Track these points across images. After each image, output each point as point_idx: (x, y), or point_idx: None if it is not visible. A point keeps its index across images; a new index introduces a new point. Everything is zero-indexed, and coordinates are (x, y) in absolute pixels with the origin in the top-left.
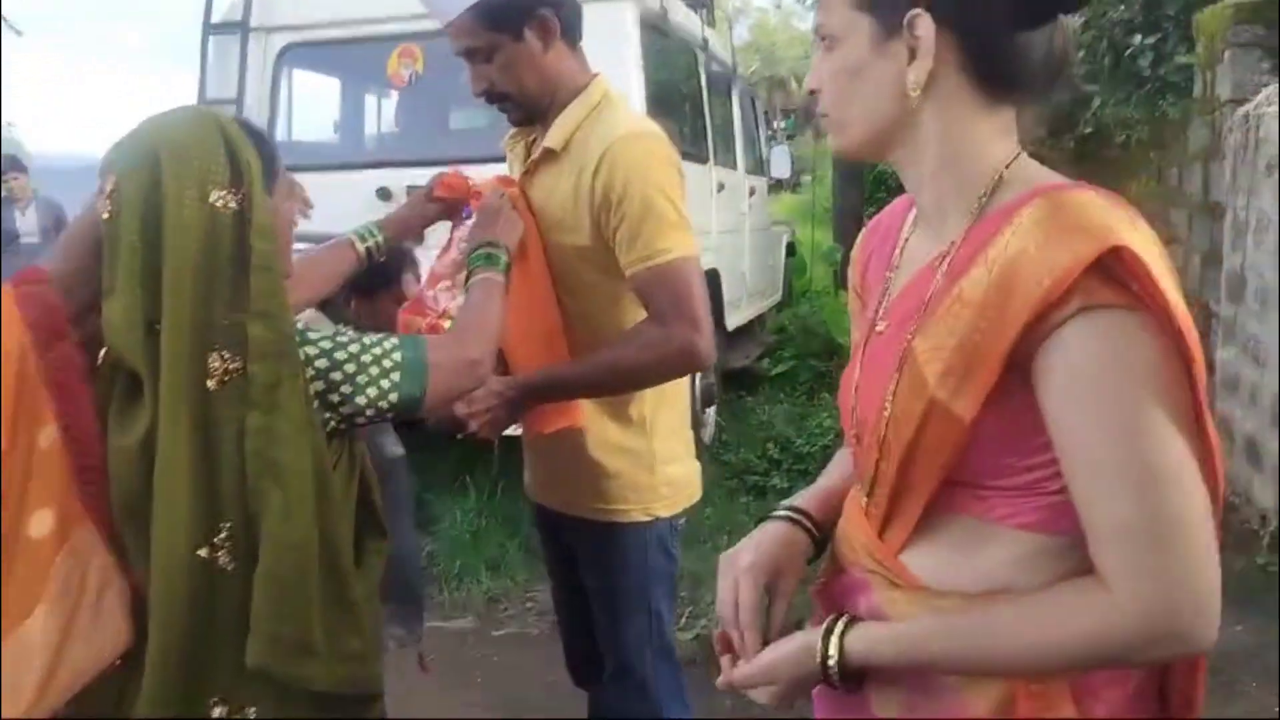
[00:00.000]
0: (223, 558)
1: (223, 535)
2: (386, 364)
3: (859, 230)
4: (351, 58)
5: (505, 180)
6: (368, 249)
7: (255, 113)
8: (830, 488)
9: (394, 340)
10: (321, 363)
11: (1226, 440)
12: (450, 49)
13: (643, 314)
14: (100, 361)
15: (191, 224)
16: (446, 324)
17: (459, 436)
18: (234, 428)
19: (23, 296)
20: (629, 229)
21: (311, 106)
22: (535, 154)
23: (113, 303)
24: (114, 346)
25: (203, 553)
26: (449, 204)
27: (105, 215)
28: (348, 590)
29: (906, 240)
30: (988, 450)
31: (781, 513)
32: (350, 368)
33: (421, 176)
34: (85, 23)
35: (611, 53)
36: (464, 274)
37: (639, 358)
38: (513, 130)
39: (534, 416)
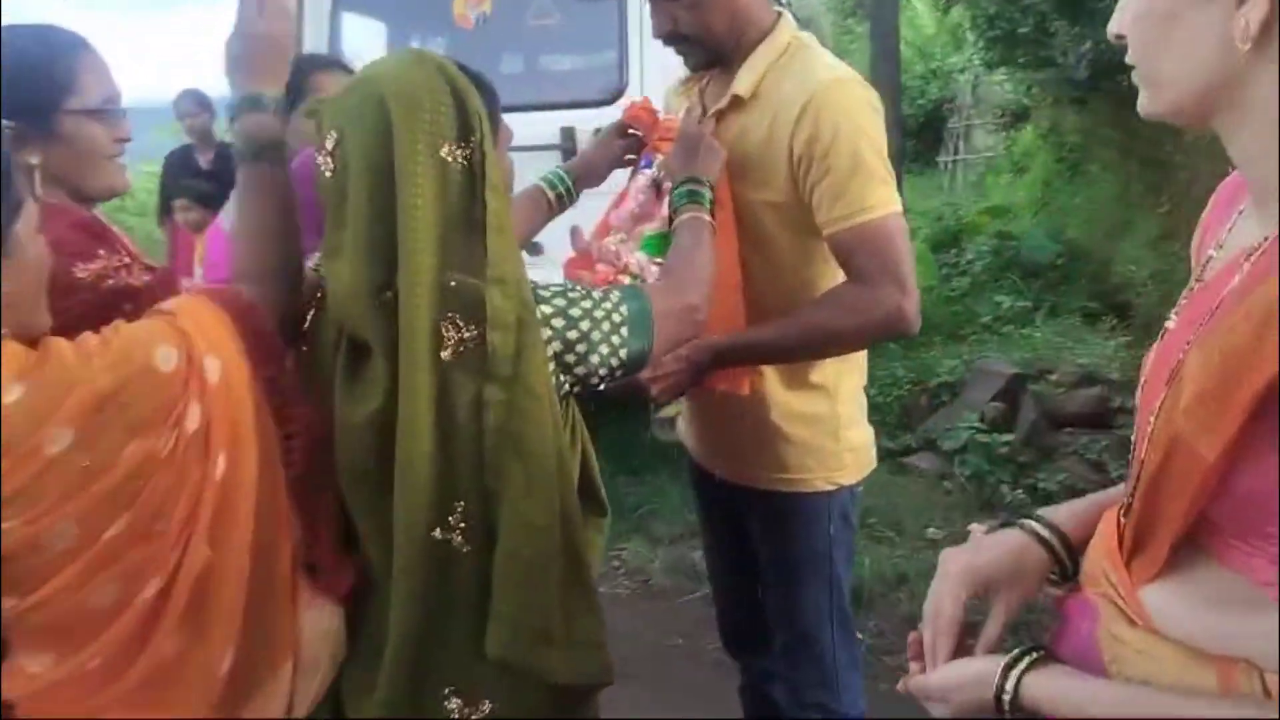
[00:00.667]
0: (457, 539)
1: (457, 515)
2: (616, 318)
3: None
4: (408, 1)
5: (650, 111)
6: (558, 195)
7: None
8: (1100, 502)
9: (618, 292)
10: (558, 323)
11: None
12: None
13: (828, 272)
14: (312, 328)
15: (425, 180)
16: (625, 279)
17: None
18: (470, 399)
19: (237, 316)
20: (833, 184)
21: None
22: (722, 102)
23: (338, 267)
24: (341, 315)
25: (437, 534)
26: (636, 141)
27: (329, 173)
28: (584, 572)
29: (1239, 216)
30: (1243, 502)
31: (1026, 521)
32: (585, 325)
33: None
34: None
35: None
36: (641, 227)
37: (844, 322)
38: (683, 77)
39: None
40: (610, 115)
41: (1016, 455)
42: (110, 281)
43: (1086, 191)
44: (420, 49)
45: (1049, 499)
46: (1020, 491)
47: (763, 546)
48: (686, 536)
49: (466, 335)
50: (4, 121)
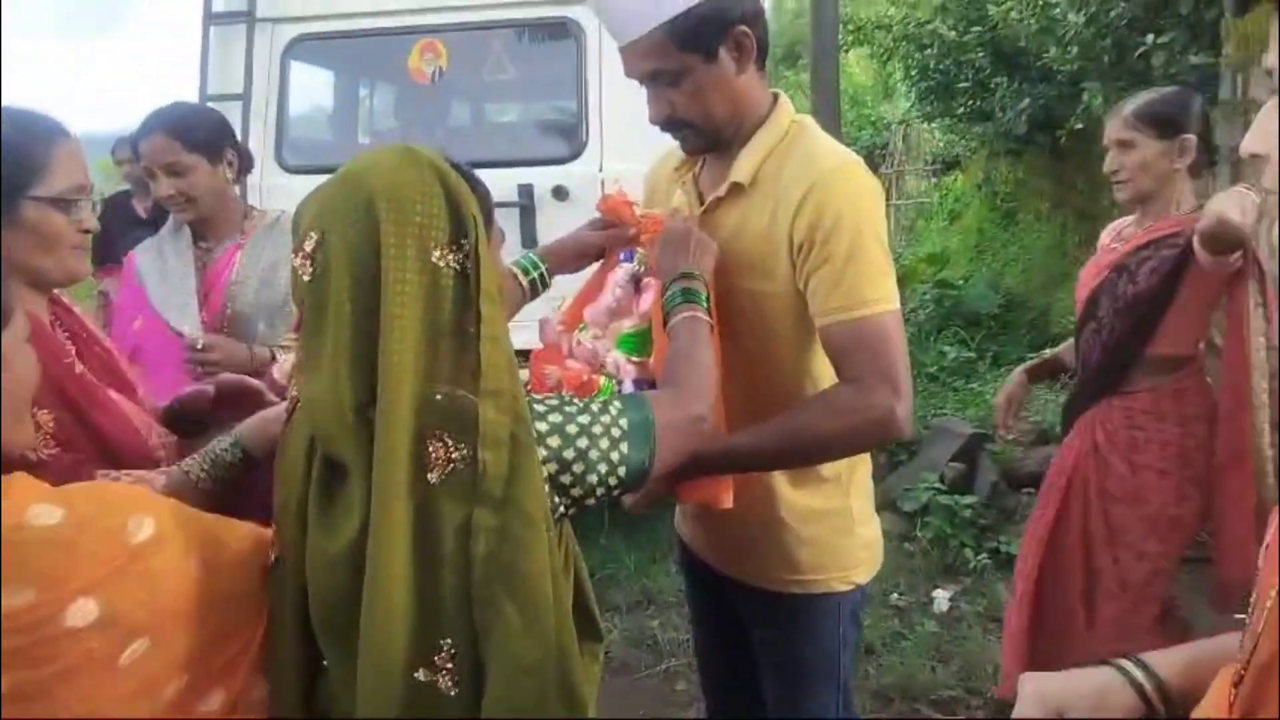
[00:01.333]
0: (444, 681)
1: (444, 654)
2: (615, 432)
3: None
4: (359, 51)
5: (621, 201)
6: (531, 282)
7: (261, 110)
8: (1218, 652)
9: (618, 403)
10: (554, 441)
11: None
12: (467, 44)
13: (822, 368)
14: (286, 446)
15: (413, 286)
16: (601, 380)
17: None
18: (457, 525)
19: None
20: (831, 273)
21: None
22: (720, 189)
23: (316, 380)
24: (317, 431)
25: (421, 675)
26: (614, 233)
27: (307, 277)
28: (581, 711)
29: None
30: None
31: (1122, 662)
32: (582, 443)
33: None
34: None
35: None
36: (618, 323)
37: (830, 425)
38: (675, 163)
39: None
40: (570, 172)
41: (978, 518)
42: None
43: (1021, 240)
44: (410, 147)
45: (1011, 563)
46: (984, 555)
47: (765, 649)
48: (644, 605)
49: (455, 454)
50: None
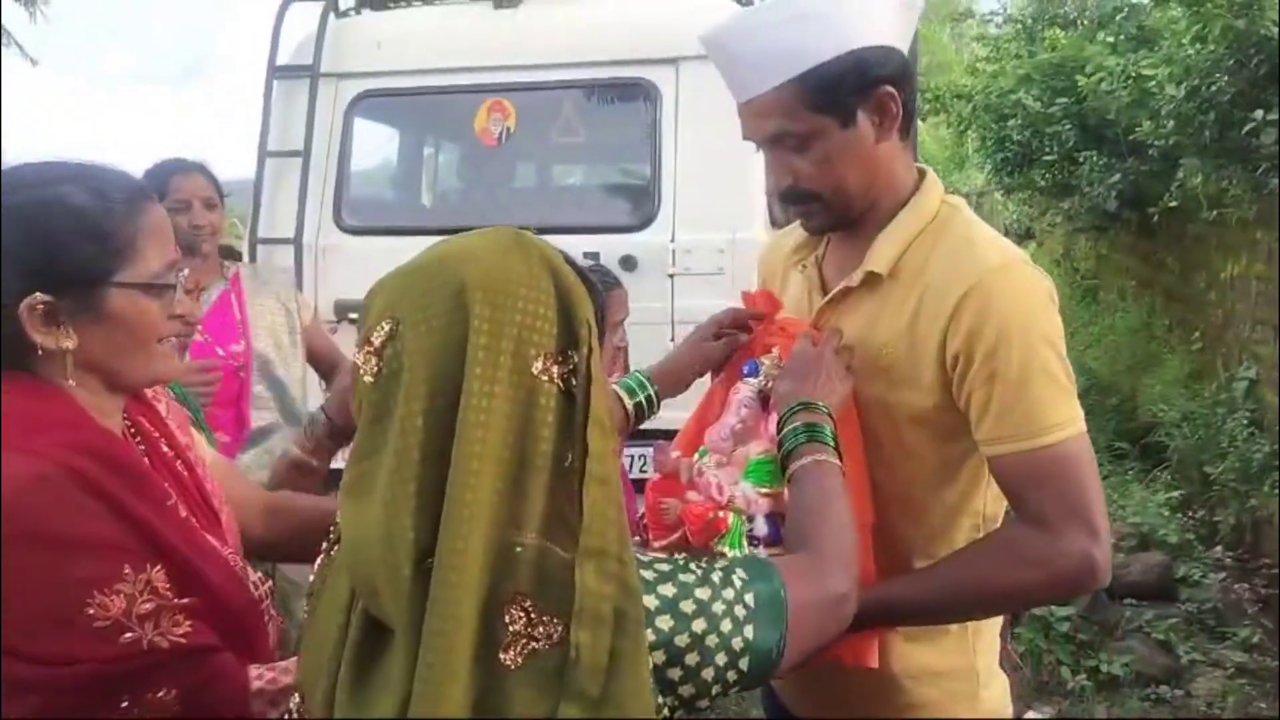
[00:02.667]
0: None
1: None
2: (740, 611)
3: None
4: (425, 109)
5: (768, 296)
6: (637, 405)
7: (322, 167)
8: None
9: (742, 571)
10: (665, 622)
11: None
12: (536, 104)
13: (977, 496)
14: (319, 596)
15: (503, 401)
16: (730, 517)
17: None
18: None
19: None
20: (1003, 394)
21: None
22: (853, 279)
23: (366, 511)
24: (360, 580)
25: None
26: (735, 342)
27: (370, 378)
28: None
29: None
30: None
31: None
32: (700, 625)
33: None
34: (112, 51)
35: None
36: (745, 449)
37: (1018, 578)
38: (795, 243)
39: None
40: (639, 242)
41: (1076, 632)
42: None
43: (1104, 320)
44: (519, 231)
45: (1114, 685)
46: (1083, 675)
47: None
48: None
49: (540, 631)
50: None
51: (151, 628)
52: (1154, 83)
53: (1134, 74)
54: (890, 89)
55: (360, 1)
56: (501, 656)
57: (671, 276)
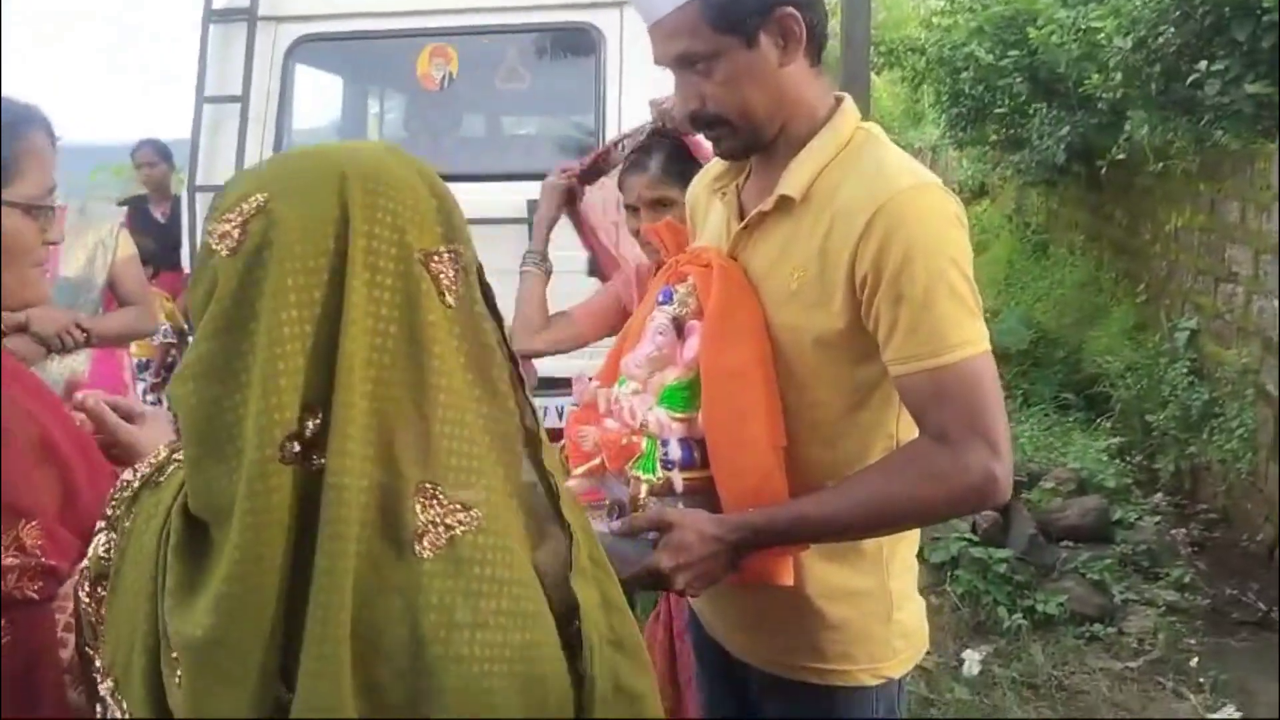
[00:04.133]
0: None
1: None
2: None
3: None
4: (367, 55)
5: (673, 228)
6: None
7: (261, 113)
8: None
9: None
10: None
11: None
12: (479, 49)
13: (888, 420)
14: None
15: (392, 282)
16: (643, 442)
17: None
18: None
19: None
20: (910, 314)
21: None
22: (766, 203)
23: (217, 390)
24: (204, 470)
25: None
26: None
27: (226, 251)
28: None
29: None
30: None
31: None
32: None
33: None
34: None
35: None
36: (660, 375)
37: (923, 492)
38: (716, 171)
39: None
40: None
41: (1013, 573)
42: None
43: (1053, 274)
44: (391, 145)
45: (1049, 624)
46: (1019, 614)
47: None
48: None
49: (454, 518)
50: None
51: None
52: (1103, 35)
53: (1083, 26)
54: (792, 10)
55: None
56: (419, 549)
57: (614, 223)
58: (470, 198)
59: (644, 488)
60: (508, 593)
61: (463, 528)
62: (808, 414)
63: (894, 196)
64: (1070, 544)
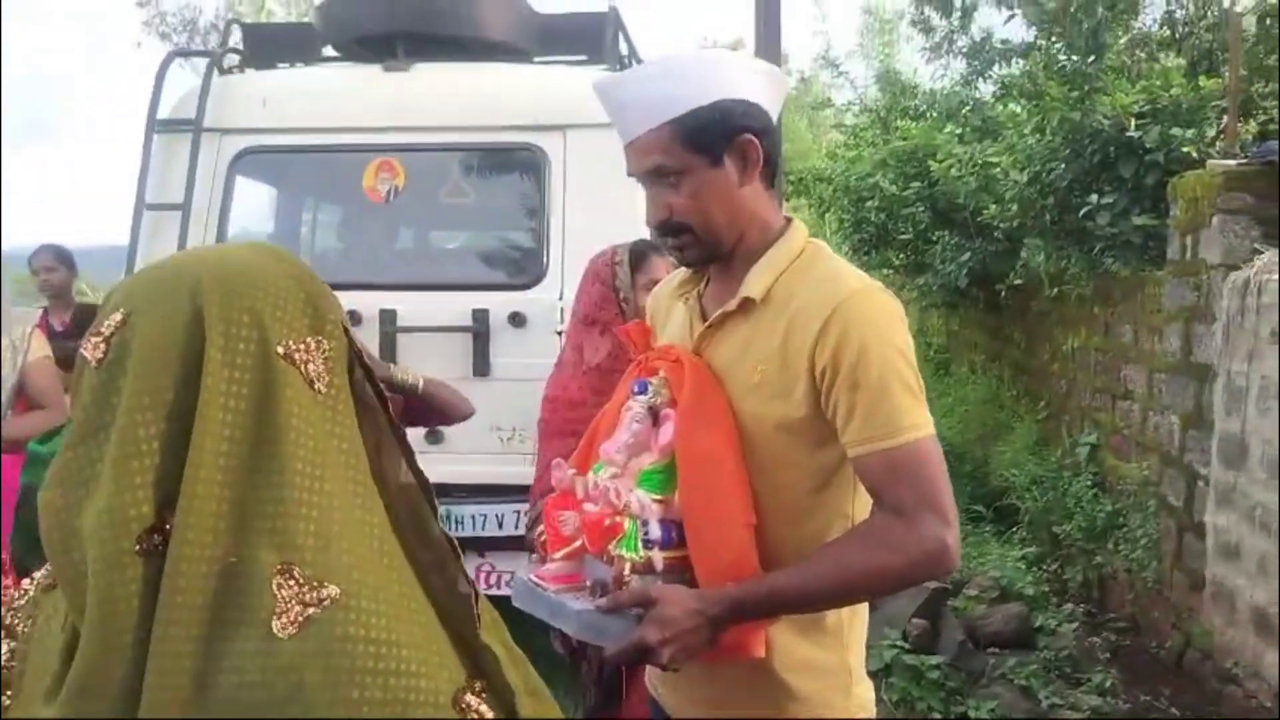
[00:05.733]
0: None
1: None
2: None
3: None
4: (310, 168)
5: (642, 329)
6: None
7: (203, 223)
8: None
9: None
10: None
11: (1226, 607)
12: (425, 165)
13: (845, 500)
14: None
15: (247, 377)
16: (626, 523)
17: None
18: None
19: None
20: (866, 401)
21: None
22: (730, 305)
23: (80, 496)
24: (68, 570)
25: None
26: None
27: (95, 362)
28: None
29: None
30: None
31: None
32: None
33: (367, 300)
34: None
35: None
36: (638, 460)
37: (884, 562)
38: (679, 280)
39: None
40: (528, 299)
41: (945, 679)
42: None
43: (956, 392)
44: (261, 241)
45: None
46: None
47: None
48: None
49: (311, 595)
50: None
51: None
52: (999, 169)
53: (980, 161)
54: (752, 138)
55: (245, 60)
56: (274, 625)
57: (559, 333)
58: (410, 307)
59: (627, 566)
60: (371, 652)
61: (323, 605)
62: (773, 495)
63: (848, 298)
64: (996, 650)
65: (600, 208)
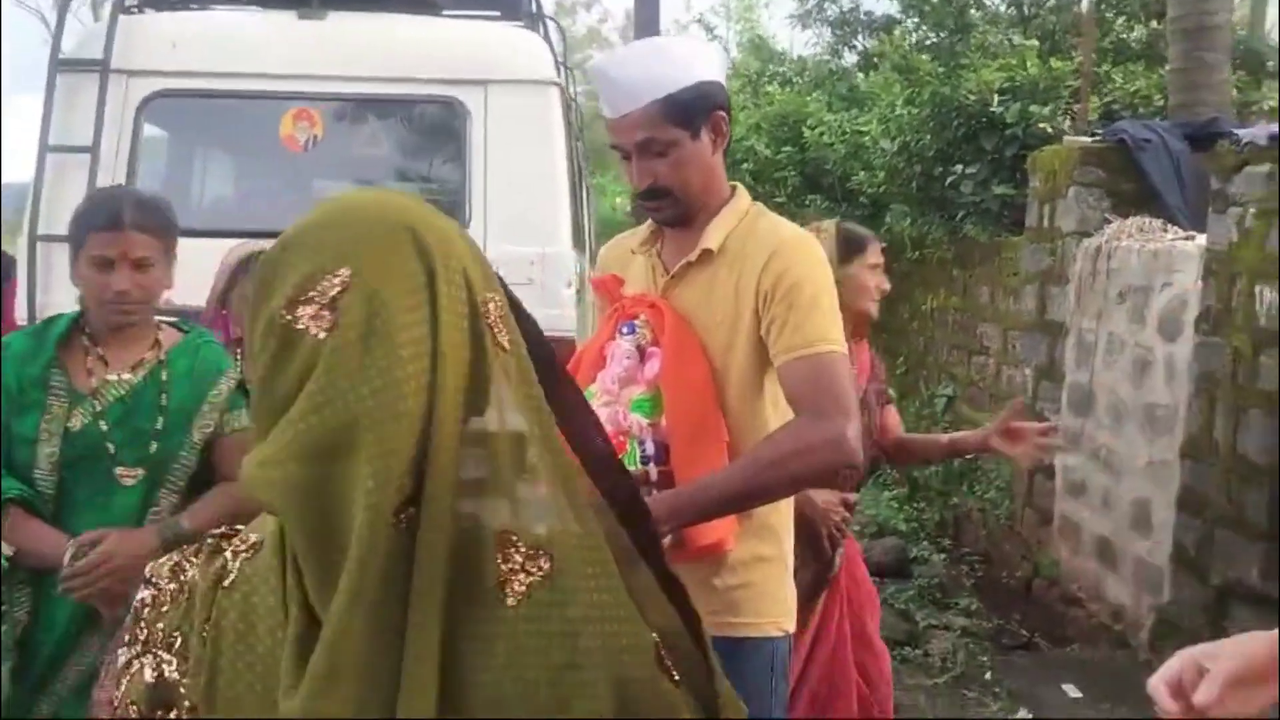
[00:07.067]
0: None
1: None
2: None
3: None
4: (222, 114)
5: (617, 280)
6: None
7: (111, 167)
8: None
9: None
10: None
11: (1073, 538)
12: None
13: (768, 415)
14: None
15: (465, 344)
16: (629, 442)
17: None
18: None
19: None
20: (795, 317)
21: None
22: (691, 255)
23: (319, 467)
24: (316, 545)
25: None
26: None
27: (322, 333)
28: None
29: None
30: None
31: None
32: None
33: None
34: None
35: (539, 136)
36: (628, 390)
37: (803, 456)
38: (638, 240)
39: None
40: None
41: None
42: None
43: None
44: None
45: None
46: None
47: None
48: None
49: (533, 565)
50: None
51: None
52: (868, 138)
53: (850, 130)
54: (723, 113)
55: (145, 1)
56: (504, 597)
57: None
58: None
59: None
60: (595, 630)
61: (541, 573)
62: (739, 416)
63: (786, 240)
64: (878, 579)
65: (520, 162)
